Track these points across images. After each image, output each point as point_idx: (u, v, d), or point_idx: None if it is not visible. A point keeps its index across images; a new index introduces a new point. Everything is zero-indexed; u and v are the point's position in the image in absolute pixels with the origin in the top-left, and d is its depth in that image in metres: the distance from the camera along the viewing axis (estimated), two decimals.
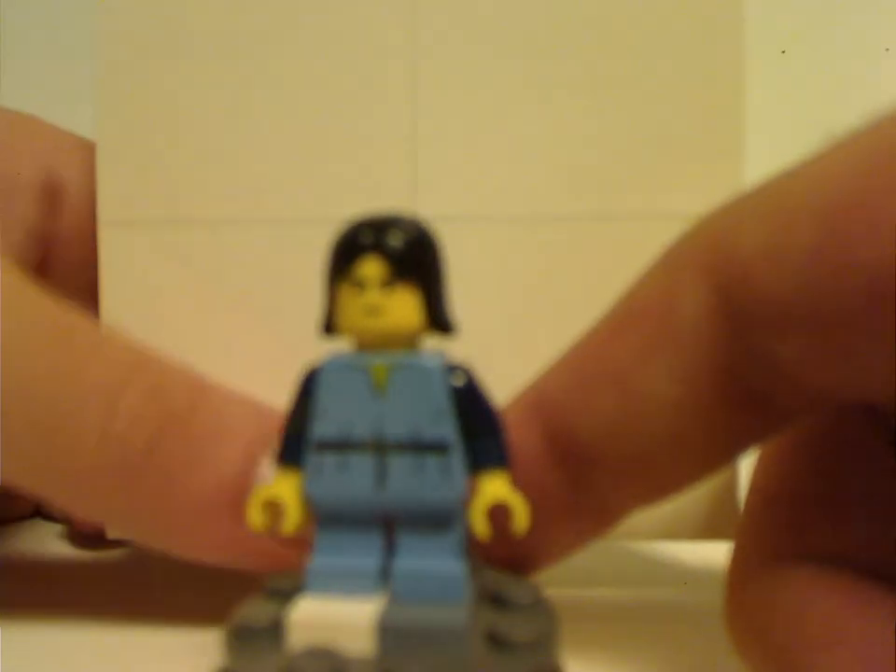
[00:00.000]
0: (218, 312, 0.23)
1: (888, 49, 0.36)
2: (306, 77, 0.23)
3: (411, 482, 0.15)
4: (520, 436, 0.17)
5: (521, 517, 0.15)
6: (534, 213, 0.22)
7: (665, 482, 0.17)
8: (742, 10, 0.21)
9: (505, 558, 0.17)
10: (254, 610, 0.16)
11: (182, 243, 0.23)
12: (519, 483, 0.16)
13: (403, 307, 0.15)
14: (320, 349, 0.16)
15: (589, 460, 0.17)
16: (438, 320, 0.15)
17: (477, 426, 0.15)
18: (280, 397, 0.16)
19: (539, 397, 0.18)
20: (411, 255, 0.15)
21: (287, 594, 0.16)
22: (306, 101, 0.23)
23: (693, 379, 0.16)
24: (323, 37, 0.23)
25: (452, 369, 0.15)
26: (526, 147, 0.22)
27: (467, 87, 0.22)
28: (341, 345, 0.16)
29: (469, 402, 0.15)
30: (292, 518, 0.16)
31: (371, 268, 0.15)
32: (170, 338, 0.22)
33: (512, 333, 0.22)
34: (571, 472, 0.17)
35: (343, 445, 0.15)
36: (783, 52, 0.36)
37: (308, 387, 0.16)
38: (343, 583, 0.15)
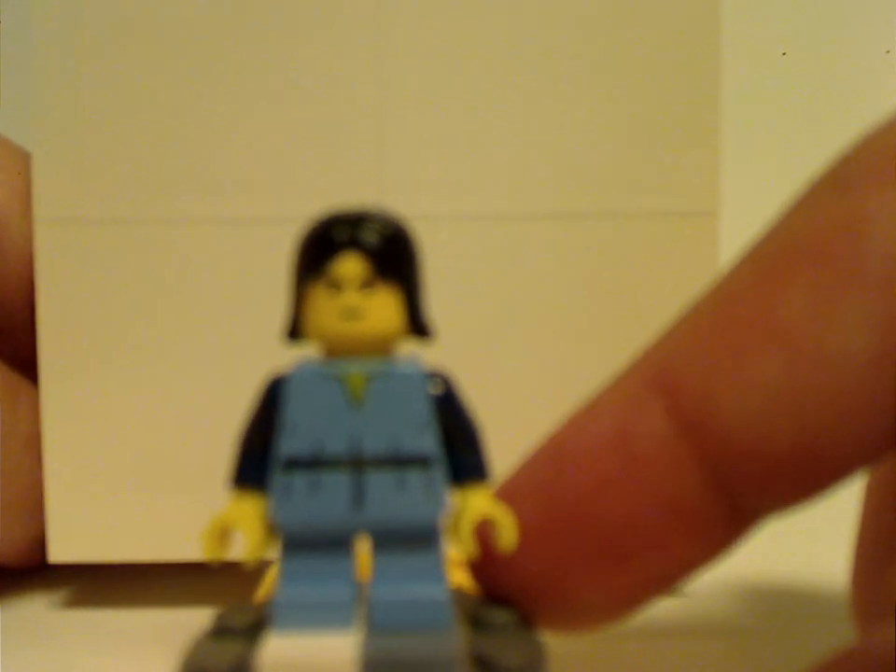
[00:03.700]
0: (165, 316, 0.21)
1: (888, 52, 0.37)
2: (265, 69, 0.21)
3: (391, 499, 0.14)
4: (638, 423, 0.14)
5: (509, 533, 0.14)
6: (512, 211, 0.21)
7: (829, 470, 0.13)
8: (719, 10, 0.21)
9: (613, 587, 0.14)
10: (209, 653, 0.14)
11: (123, 242, 0.20)
12: (638, 485, 0.13)
13: (384, 310, 0.14)
14: (280, 357, 0.14)
15: (735, 449, 0.13)
16: (417, 324, 0.14)
17: (456, 437, 0.14)
18: (233, 410, 0.14)
19: (658, 371, 0.14)
20: (392, 252, 0.14)
21: (243, 631, 0.14)
22: (264, 92, 0.21)
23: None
24: (285, 28, 0.21)
25: (429, 376, 0.14)
26: (502, 145, 0.21)
27: (437, 83, 0.21)
28: (306, 352, 0.14)
29: (448, 412, 0.14)
30: (252, 546, 0.14)
31: (350, 266, 0.14)
32: (109, 342, 0.19)
33: (490, 337, 0.21)
34: (709, 466, 0.13)
35: (315, 463, 0.14)
36: (784, 54, 0.36)
37: (272, 399, 0.14)
38: (315, 616, 0.14)
